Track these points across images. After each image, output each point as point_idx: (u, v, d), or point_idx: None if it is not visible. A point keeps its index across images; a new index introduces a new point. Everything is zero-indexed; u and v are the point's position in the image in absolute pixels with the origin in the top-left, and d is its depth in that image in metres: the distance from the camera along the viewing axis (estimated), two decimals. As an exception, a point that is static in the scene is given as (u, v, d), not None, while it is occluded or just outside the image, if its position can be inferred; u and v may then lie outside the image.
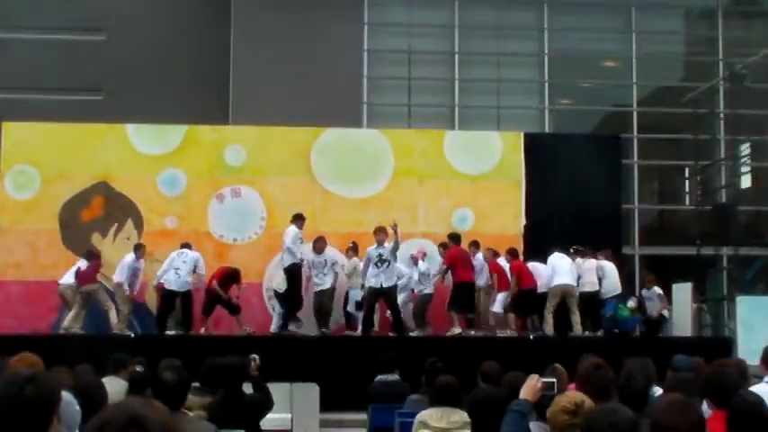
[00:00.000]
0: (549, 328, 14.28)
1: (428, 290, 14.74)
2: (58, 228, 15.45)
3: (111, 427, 2.63)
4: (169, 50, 19.91)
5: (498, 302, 14.64)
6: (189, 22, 20.16)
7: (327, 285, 14.52)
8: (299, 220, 14.41)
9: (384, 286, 13.96)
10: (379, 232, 14.17)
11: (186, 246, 14.46)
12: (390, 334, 14.06)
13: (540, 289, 14.55)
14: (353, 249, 14.96)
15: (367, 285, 14.14)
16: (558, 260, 14.58)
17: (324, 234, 14.90)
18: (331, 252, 14.90)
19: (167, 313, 14.18)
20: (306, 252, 14.46)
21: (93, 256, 14.48)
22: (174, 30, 20.12)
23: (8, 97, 19.16)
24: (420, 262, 14.90)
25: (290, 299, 14.32)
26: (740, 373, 5.89)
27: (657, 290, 15.89)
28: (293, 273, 14.18)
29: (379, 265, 13.98)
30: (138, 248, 14.63)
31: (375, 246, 14.13)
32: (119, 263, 14.41)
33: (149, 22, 20.18)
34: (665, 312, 15.70)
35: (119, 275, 14.27)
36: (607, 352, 6.20)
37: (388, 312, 14.34)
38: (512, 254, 14.84)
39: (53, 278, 14.40)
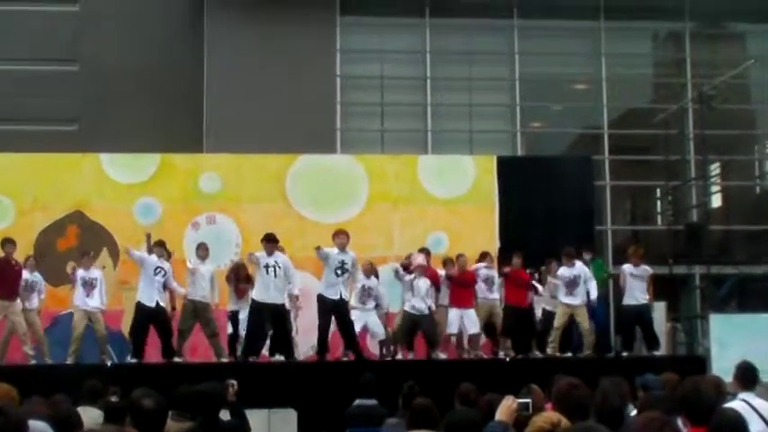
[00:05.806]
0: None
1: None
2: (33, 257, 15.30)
3: None
4: (143, 80, 19.88)
5: (474, 323, 13.77)
6: (162, 52, 20.17)
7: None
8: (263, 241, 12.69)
9: (344, 298, 12.56)
10: (341, 235, 12.60)
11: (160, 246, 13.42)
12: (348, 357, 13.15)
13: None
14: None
15: (325, 297, 12.52)
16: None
17: (300, 259, 14.85)
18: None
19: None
20: None
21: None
22: (147, 59, 20.11)
23: (-17, 128, 19.10)
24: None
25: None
26: (717, 389, 5.92)
27: (647, 269, 13.89)
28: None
29: (339, 273, 12.45)
30: (80, 257, 13.85)
31: (336, 251, 12.51)
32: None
33: (123, 53, 20.18)
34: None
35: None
36: (581, 372, 6.25)
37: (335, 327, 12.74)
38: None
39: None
